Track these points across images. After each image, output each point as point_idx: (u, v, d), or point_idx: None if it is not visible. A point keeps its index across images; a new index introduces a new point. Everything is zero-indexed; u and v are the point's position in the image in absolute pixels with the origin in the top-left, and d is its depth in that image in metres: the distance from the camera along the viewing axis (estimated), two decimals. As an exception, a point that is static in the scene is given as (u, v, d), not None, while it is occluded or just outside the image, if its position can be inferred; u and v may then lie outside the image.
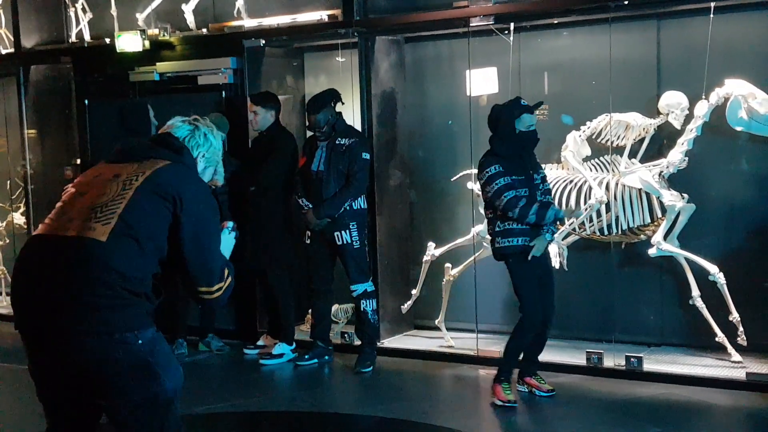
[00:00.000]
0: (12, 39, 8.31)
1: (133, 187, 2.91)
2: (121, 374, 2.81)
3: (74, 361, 2.81)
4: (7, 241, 8.74)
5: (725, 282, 5.67)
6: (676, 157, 5.81)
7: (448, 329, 6.61)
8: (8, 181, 8.74)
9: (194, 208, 2.95)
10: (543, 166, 5.58)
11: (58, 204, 3.03)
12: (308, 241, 6.31)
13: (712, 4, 5.58)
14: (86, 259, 2.79)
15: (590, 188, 6.01)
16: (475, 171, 6.41)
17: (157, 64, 7.31)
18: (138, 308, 2.86)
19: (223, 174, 3.33)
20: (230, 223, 3.28)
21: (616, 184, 5.98)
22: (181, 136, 3.16)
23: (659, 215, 5.89)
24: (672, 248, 5.85)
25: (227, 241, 3.22)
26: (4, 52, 8.45)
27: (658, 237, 5.84)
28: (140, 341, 2.83)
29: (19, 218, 8.60)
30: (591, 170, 6.13)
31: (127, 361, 2.81)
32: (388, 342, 6.71)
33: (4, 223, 8.74)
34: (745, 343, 5.68)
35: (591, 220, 6.04)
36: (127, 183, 2.92)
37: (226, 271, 3.06)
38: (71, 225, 2.87)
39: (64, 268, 2.81)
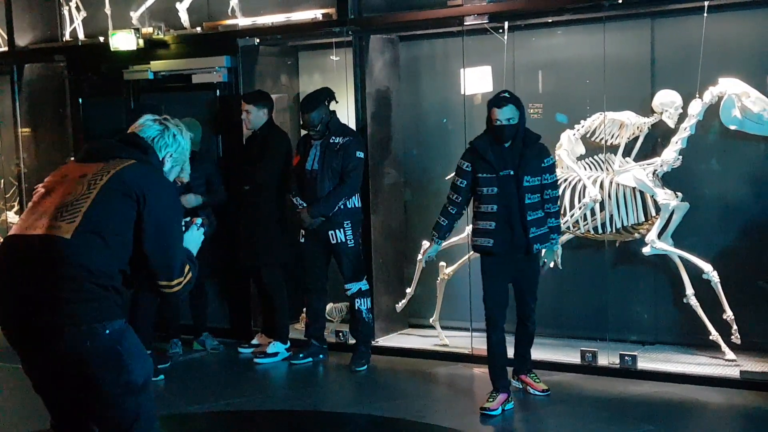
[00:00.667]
0: (6, 37, 8.29)
1: (98, 186, 3.02)
2: (91, 363, 2.93)
3: (51, 354, 2.94)
4: (1, 239, 8.71)
5: (719, 280, 5.69)
6: (670, 155, 5.82)
7: (442, 328, 6.62)
8: (2, 180, 8.71)
9: (157, 207, 3.06)
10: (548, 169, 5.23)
11: (29, 203, 3.15)
12: (302, 240, 6.31)
13: (706, 3, 5.59)
14: (53, 257, 2.92)
15: (584, 187, 6.02)
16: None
17: (152, 62, 7.29)
18: (106, 301, 2.97)
19: (189, 172, 3.43)
20: (198, 220, 3.39)
21: (611, 182, 5.99)
22: (150, 136, 3.28)
23: (653, 214, 5.90)
24: (666, 247, 5.86)
25: (196, 237, 3.34)
26: (-3, 50, 8.44)
27: (652, 235, 5.85)
28: (107, 331, 2.94)
29: (12, 217, 8.58)
30: (585, 169, 6.14)
31: (96, 350, 2.92)
32: (383, 341, 6.71)
33: (-2, 222, 8.73)
34: (738, 342, 5.70)
35: (585, 219, 6.05)
36: (92, 182, 3.04)
37: (187, 267, 3.17)
38: (39, 224, 2.99)
39: (33, 266, 2.94)
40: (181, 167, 3.37)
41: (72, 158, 7.89)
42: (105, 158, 3.13)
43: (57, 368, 2.99)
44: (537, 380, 5.49)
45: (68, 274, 2.91)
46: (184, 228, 3.29)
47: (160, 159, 3.28)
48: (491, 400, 5.18)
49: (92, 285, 2.93)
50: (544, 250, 5.28)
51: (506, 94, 5.12)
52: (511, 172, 5.06)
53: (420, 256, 6.58)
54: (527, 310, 5.32)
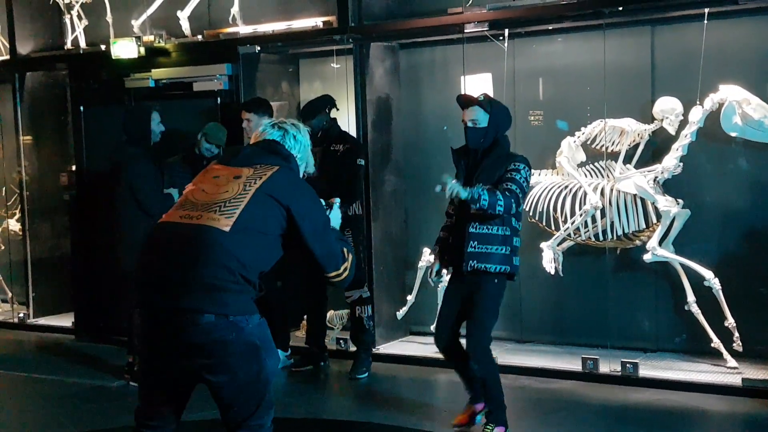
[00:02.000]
0: (7, 46, 8.31)
1: (253, 188, 3.25)
2: (233, 354, 3.11)
3: (190, 338, 3.08)
4: (2, 247, 8.72)
5: (720, 287, 5.68)
6: (670, 162, 5.81)
7: (443, 335, 6.59)
8: (3, 188, 8.72)
9: (306, 208, 3.31)
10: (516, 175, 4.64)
11: (181, 198, 3.36)
12: (303, 248, 6.30)
13: (706, 11, 5.60)
14: (211, 245, 3.12)
15: (585, 194, 6.01)
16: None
17: (153, 70, 7.31)
18: (249, 295, 3.19)
19: (314, 164, 3.67)
20: (337, 200, 3.61)
21: (611, 189, 5.98)
22: (274, 138, 3.49)
23: (654, 221, 5.89)
24: (667, 254, 5.85)
25: (337, 216, 3.57)
26: (-1, 59, 8.47)
27: (653, 242, 5.84)
28: (250, 325, 3.15)
29: (14, 225, 8.58)
30: (586, 176, 6.13)
31: (239, 343, 3.11)
32: (384, 348, 6.70)
33: (0, 230, 8.72)
34: (740, 349, 5.68)
35: (586, 226, 6.04)
36: (247, 184, 3.26)
37: (345, 250, 3.42)
38: (196, 215, 3.20)
39: (191, 251, 3.13)
40: (306, 162, 3.57)
41: (73, 166, 7.95)
42: (252, 163, 3.35)
43: (192, 352, 3.11)
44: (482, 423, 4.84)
45: (225, 263, 3.10)
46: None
47: (298, 164, 3.51)
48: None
49: (242, 277, 3.13)
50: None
51: (481, 97, 4.78)
52: (474, 180, 4.65)
53: (421, 263, 6.58)
54: (469, 342, 4.75)
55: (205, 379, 3.18)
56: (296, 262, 6.44)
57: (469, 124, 4.73)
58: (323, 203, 3.49)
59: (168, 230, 3.27)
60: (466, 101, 4.82)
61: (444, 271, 4.97)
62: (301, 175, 3.54)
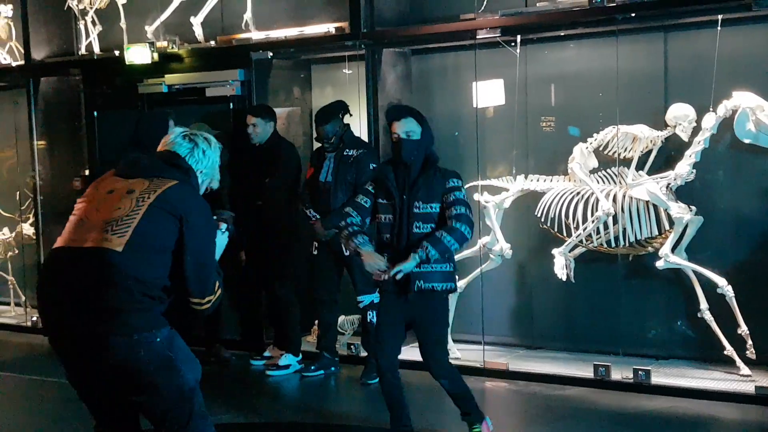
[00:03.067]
0: (22, 51, 8.37)
1: (146, 203, 3.17)
2: (146, 371, 3.07)
3: (104, 361, 3.05)
4: (16, 251, 8.77)
5: (733, 294, 5.65)
6: (683, 169, 5.79)
7: (454, 341, 6.58)
8: (17, 192, 8.77)
9: (197, 227, 3.22)
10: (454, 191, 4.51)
11: (73, 217, 3.27)
12: (315, 252, 6.32)
13: (720, 17, 5.58)
14: (105, 267, 3.05)
15: (597, 200, 6.00)
16: (481, 182, 6.42)
17: (166, 76, 7.35)
18: (154, 311, 3.13)
19: (218, 179, 3.53)
20: (224, 225, 3.47)
21: (624, 196, 5.97)
22: (182, 155, 3.39)
23: (667, 227, 5.87)
24: (680, 261, 5.83)
25: (220, 241, 3.44)
26: (14, 64, 8.51)
27: (665, 249, 5.82)
28: (158, 339, 3.09)
29: (28, 229, 8.63)
30: (598, 182, 6.12)
31: (150, 358, 3.07)
32: (395, 354, 6.69)
33: (14, 234, 8.77)
34: (754, 357, 5.65)
35: (598, 233, 6.02)
36: (140, 199, 3.18)
37: (217, 284, 3.32)
38: (89, 237, 3.12)
39: (86, 276, 3.07)
40: (211, 178, 3.49)
41: (86, 171, 7.99)
42: (148, 175, 3.27)
43: (110, 376, 3.10)
44: None
45: (120, 284, 3.04)
46: None
47: (197, 179, 3.43)
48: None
49: (142, 295, 3.07)
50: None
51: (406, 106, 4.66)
52: (408, 198, 4.51)
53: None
54: (431, 363, 4.71)
55: (132, 401, 3.18)
56: (305, 266, 6.50)
57: (403, 135, 4.51)
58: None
59: (62, 257, 3.19)
60: (398, 112, 4.64)
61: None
62: (202, 191, 3.44)
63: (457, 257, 6.51)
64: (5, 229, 8.80)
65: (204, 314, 3.32)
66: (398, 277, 4.40)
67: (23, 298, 8.64)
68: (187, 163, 3.37)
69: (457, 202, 4.44)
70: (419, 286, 4.48)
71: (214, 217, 3.42)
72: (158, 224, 3.15)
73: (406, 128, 4.52)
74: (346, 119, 6.26)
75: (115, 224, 3.11)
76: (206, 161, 3.42)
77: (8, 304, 8.84)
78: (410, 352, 6.76)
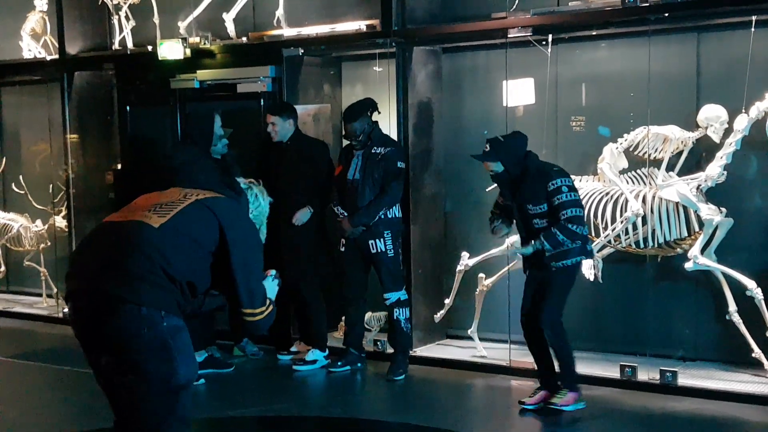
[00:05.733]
0: (57, 45, 8.47)
1: (192, 197, 3.26)
2: (140, 350, 3.01)
3: (108, 326, 3.02)
4: (49, 243, 8.89)
5: (763, 297, 5.61)
6: (714, 170, 5.76)
7: (480, 339, 6.61)
8: (50, 185, 8.89)
9: (243, 237, 3.25)
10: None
11: (126, 206, 3.38)
12: (342, 249, 6.35)
13: (754, 18, 5.54)
14: (138, 235, 3.11)
15: (626, 201, 5.98)
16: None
17: (198, 71, 7.39)
18: (170, 294, 3.08)
19: (265, 236, 3.57)
20: (273, 272, 3.48)
21: (653, 197, 5.95)
22: None
23: (696, 229, 5.84)
24: (709, 262, 5.80)
25: (272, 287, 3.43)
26: (49, 58, 8.62)
27: (695, 251, 5.80)
28: (165, 323, 3.04)
29: (60, 221, 8.74)
30: (627, 183, 6.10)
31: (149, 338, 3.01)
32: (421, 351, 6.72)
33: (46, 226, 8.89)
34: (782, 360, 5.62)
35: (627, 233, 6.01)
36: (189, 194, 3.29)
37: (269, 300, 3.31)
38: (131, 215, 3.23)
39: (115, 241, 3.14)
40: (258, 229, 3.50)
41: (118, 165, 8.10)
42: (203, 188, 3.36)
43: (107, 345, 3.05)
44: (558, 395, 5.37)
45: (146, 253, 3.05)
46: None
47: (249, 205, 3.52)
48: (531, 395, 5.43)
49: (164, 273, 3.06)
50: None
51: (486, 147, 5.31)
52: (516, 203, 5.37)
53: (459, 267, 6.60)
54: (539, 315, 5.41)
55: (111, 382, 3.09)
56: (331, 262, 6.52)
57: (490, 173, 5.36)
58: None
59: (101, 228, 3.32)
60: (482, 156, 5.33)
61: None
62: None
63: (484, 255, 6.56)
64: (38, 221, 8.91)
65: (257, 328, 3.30)
66: (512, 252, 5.59)
67: (55, 289, 8.76)
68: (241, 187, 3.48)
69: (563, 206, 5.13)
70: (556, 267, 5.24)
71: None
72: (200, 218, 3.20)
73: (491, 168, 5.31)
74: (375, 117, 6.28)
75: (158, 207, 3.21)
76: (257, 204, 3.55)
77: (40, 295, 8.96)
78: (438, 350, 6.81)
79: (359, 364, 6.48)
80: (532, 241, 5.21)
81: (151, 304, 3.02)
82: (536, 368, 5.51)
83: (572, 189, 5.21)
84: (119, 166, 8.13)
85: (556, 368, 5.40)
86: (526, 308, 5.42)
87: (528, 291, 5.44)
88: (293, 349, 6.87)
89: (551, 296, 5.29)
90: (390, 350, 6.45)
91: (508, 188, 5.35)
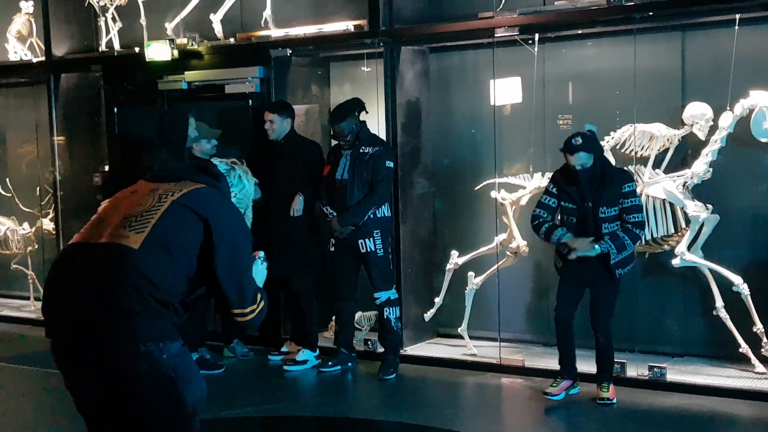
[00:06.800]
0: (43, 47, 8.45)
1: (168, 200, 2.96)
2: (144, 389, 2.83)
3: (103, 365, 2.82)
4: (36, 246, 8.86)
5: (749, 293, 5.67)
6: (700, 167, 5.81)
7: (470, 337, 6.64)
8: (37, 187, 8.87)
9: (229, 232, 2.99)
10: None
11: (94, 216, 3.07)
12: (332, 249, 6.36)
13: (737, 16, 5.59)
14: (118, 264, 2.82)
15: (614, 198, 6.02)
16: (498, 180, 6.46)
17: (186, 72, 7.39)
18: (165, 320, 2.87)
19: (251, 219, 3.39)
20: (261, 253, 3.28)
21: (640, 194, 5.98)
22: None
23: (683, 226, 5.89)
24: (696, 259, 5.85)
25: (260, 271, 3.26)
26: (35, 60, 8.59)
27: (682, 247, 5.84)
28: (164, 356, 2.83)
29: (48, 224, 8.72)
30: (615, 180, 6.14)
31: (151, 376, 2.81)
32: (411, 350, 6.74)
33: (34, 229, 8.86)
34: (769, 355, 5.68)
35: (614, 230, 6.04)
36: (163, 196, 2.98)
37: (259, 296, 3.09)
38: (105, 233, 2.91)
39: (96, 273, 2.84)
40: (243, 211, 3.32)
41: (106, 167, 8.07)
42: (176, 179, 3.09)
43: (104, 381, 2.85)
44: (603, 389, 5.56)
45: (133, 284, 2.80)
46: None
47: (230, 189, 3.30)
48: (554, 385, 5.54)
49: (155, 300, 2.83)
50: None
51: (579, 140, 5.27)
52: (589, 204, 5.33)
53: (449, 265, 6.62)
54: (596, 321, 5.56)
55: (110, 413, 2.90)
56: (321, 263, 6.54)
57: (578, 167, 5.25)
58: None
59: (74, 253, 2.98)
60: (573, 148, 5.26)
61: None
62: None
63: (473, 254, 6.58)
64: (25, 224, 8.88)
65: (248, 327, 3.09)
66: (572, 256, 5.30)
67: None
68: (219, 171, 3.23)
69: (634, 209, 5.27)
70: (620, 274, 5.34)
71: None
72: (181, 222, 2.93)
73: (581, 162, 5.24)
74: (362, 116, 6.30)
75: (134, 220, 2.90)
76: (240, 186, 3.36)
77: (28, 298, 8.93)
78: (429, 348, 6.84)
79: (350, 364, 6.49)
80: (596, 245, 5.22)
81: (148, 338, 2.80)
82: (560, 360, 5.61)
83: (638, 193, 5.41)
84: (107, 168, 8.12)
85: (599, 366, 5.58)
86: (566, 305, 5.49)
87: (570, 288, 5.47)
88: (284, 349, 6.88)
89: (609, 305, 5.44)
90: (380, 349, 6.46)
91: (585, 187, 5.28)
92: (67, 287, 2.89)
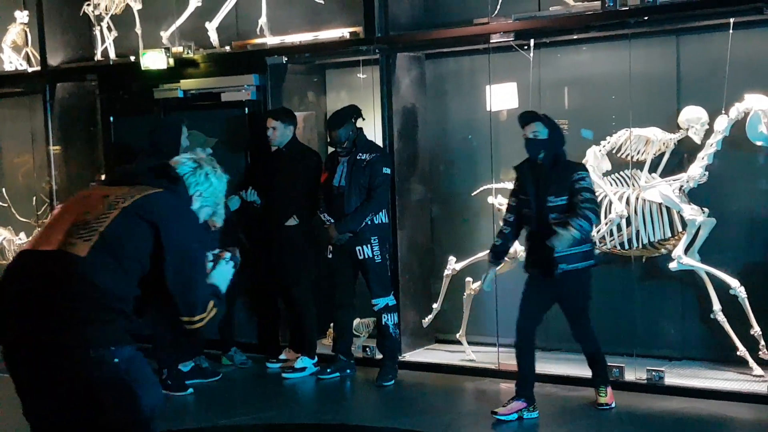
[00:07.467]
0: (38, 57, 8.44)
1: (119, 207, 2.95)
2: (99, 394, 2.83)
3: (56, 375, 2.82)
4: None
5: (746, 296, 5.68)
6: (696, 171, 5.83)
7: (469, 343, 6.64)
8: (34, 197, 8.85)
9: (178, 238, 2.96)
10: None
11: (47, 221, 3.11)
12: (330, 256, 6.37)
13: (732, 20, 5.61)
14: (65, 273, 2.83)
15: (611, 203, 6.04)
16: (495, 185, 6.47)
17: (181, 81, 7.40)
18: (115, 325, 2.86)
19: (223, 216, 3.34)
20: (227, 254, 3.26)
21: (637, 198, 6.01)
22: (182, 173, 3.23)
23: (680, 229, 5.91)
24: (693, 262, 5.87)
25: (225, 272, 3.22)
26: (30, 70, 8.59)
27: (678, 251, 5.86)
28: (116, 359, 2.83)
29: (43, 233, 8.69)
30: (611, 185, 6.16)
31: (105, 381, 2.82)
32: (410, 356, 6.74)
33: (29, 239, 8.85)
34: (766, 357, 5.68)
35: (612, 235, 6.06)
36: (114, 203, 2.96)
37: (211, 303, 3.05)
38: (53, 239, 2.91)
39: (45, 282, 2.85)
40: (213, 209, 3.29)
41: (96, 181, 8.06)
42: (131, 182, 3.08)
43: (59, 390, 2.86)
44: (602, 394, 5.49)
45: (80, 292, 2.81)
46: (212, 263, 3.20)
47: (189, 195, 3.22)
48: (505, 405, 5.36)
49: (103, 306, 2.83)
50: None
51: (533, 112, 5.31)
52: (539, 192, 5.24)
53: (446, 271, 6.63)
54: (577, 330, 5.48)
55: (62, 422, 2.90)
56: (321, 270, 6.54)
57: (530, 135, 5.21)
58: (211, 255, 3.15)
59: (24, 260, 2.99)
60: (528, 117, 5.28)
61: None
62: (202, 219, 3.24)
63: (471, 259, 6.58)
64: (22, 234, 8.86)
65: (197, 334, 3.07)
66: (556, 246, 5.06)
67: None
68: (178, 173, 3.19)
69: (583, 190, 5.12)
70: (563, 269, 5.14)
71: (218, 250, 3.24)
72: (130, 230, 2.91)
73: (534, 129, 5.21)
74: (359, 123, 6.31)
75: (82, 227, 2.90)
76: (207, 184, 3.24)
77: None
78: (427, 354, 6.83)
79: (348, 371, 6.49)
80: (562, 231, 4.97)
81: (97, 344, 2.80)
82: (517, 377, 5.43)
83: (590, 184, 5.24)
84: (103, 177, 8.11)
85: (593, 372, 5.51)
86: (528, 317, 5.33)
87: (532, 298, 5.34)
88: (282, 356, 6.87)
89: (581, 313, 5.35)
90: (379, 356, 6.47)
91: (536, 175, 5.20)
92: (16, 295, 2.90)
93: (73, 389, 2.83)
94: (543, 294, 5.34)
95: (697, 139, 5.87)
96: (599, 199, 6.07)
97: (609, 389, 5.48)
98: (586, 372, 6.01)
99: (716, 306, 5.82)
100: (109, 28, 8.11)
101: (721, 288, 5.79)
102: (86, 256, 2.84)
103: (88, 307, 2.81)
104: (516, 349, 5.40)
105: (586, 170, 5.33)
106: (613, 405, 5.44)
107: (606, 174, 6.21)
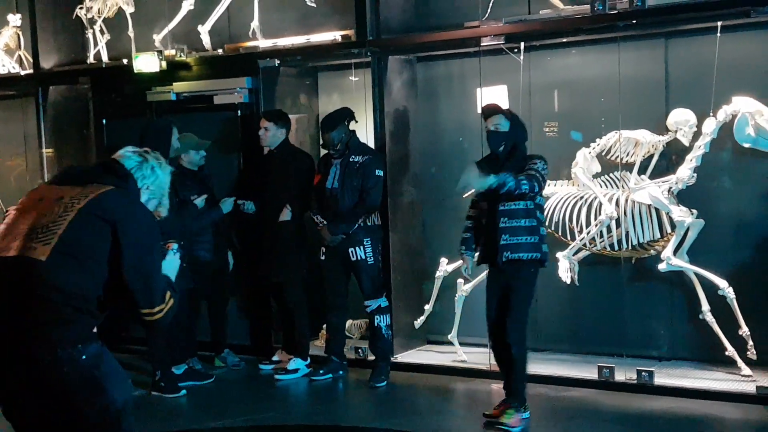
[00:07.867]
0: (31, 60, 8.45)
1: (75, 208, 2.98)
2: (69, 390, 2.88)
3: (26, 378, 2.87)
4: None
5: (734, 296, 5.73)
6: (684, 173, 5.88)
7: (460, 344, 6.68)
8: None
9: (135, 233, 3.02)
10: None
11: (1, 226, 3.09)
12: (323, 258, 6.40)
13: (719, 24, 5.67)
14: (27, 278, 2.88)
15: (600, 204, 6.08)
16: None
17: (174, 84, 7.42)
18: (80, 324, 2.92)
19: (168, 207, 3.39)
20: (175, 245, 3.33)
21: (626, 200, 6.05)
22: (128, 167, 3.26)
23: (669, 231, 5.96)
24: (682, 263, 5.92)
25: (173, 263, 3.30)
26: (23, 73, 8.59)
27: (667, 252, 5.91)
28: (84, 356, 2.89)
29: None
30: (601, 186, 6.21)
31: (75, 378, 2.87)
32: (402, 357, 6.77)
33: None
34: (754, 357, 5.73)
35: (601, 236, 6.11)
36: (69, 205, 3.00)
37: (168, 294, 3.12)
38: (12, 245, 2.94)
39: (8, 288, 2.90)
40: (158, 201, 3.33)
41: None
42: (83, 182, 3.11)
43: (31, 392, 2.89)
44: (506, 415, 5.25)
45: (43, 296, 2.86)
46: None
47: (138, 188, 3.27)
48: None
49: (67, 308, 2.88)
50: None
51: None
52: None
53: (438, 273, 6.66)
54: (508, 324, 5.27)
55: (40, 423, 2.94)
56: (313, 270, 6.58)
57: (492, 128, 5.25)
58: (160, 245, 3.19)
59: None
60: (490, 110, 5.31)
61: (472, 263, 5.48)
62: (150, 209, 3.27)
63: (461, 262, 6.60)
64: (15, 236, 8.86)
65: (158, 326, 3.11)
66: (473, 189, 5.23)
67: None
68: (126, 169, 3.22)
69: (531, 168, 5.08)
70: (507, 257, 5.11)
71: (163, 242, 3.26)
72: (88, 230, 2.96)
73: (496, 122, 5.25)
74: (352, 126, 6.35)
75: (40, 231, 2.93)
76: (153, 178, 3.28)
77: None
78: (419, 356, 6.87)
79: (341, 372, 6.52)
80: (493, 175, 4.93)
81: (64, 343, 2.85)
82: (504, 379, 5.38)
83: (545, 170, 5.16)
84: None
85: (506, 384, 5.36)
86: (492, 318, 5.32)
87: (492, 299, 5.31)
88: (275, 358, 6.90)
89: (514, 312, 5.17)
90: (371, 357, 6.50)
91: (493, 168, 5.10)
92: None
93: (46, 389, 2.88)
94: (494, 287, 5.31)
95: (686, 142, 5.92)
96: (589, 200, 6.14)
97: (517, 414, 5.18)
98: (577, 372, 6.07)
99: (705, 306, 5.87)
100: (101, 31, 8.12)
101: (710, 289, 5.84)
102: (47, 259, 2.88)
103: (51, 310, 2.86)
104: (492, 350, 5.42)
105: (543, 159, 5.21)
106: (516, 430, 5.13)
107: (596, 176, 6.26)
